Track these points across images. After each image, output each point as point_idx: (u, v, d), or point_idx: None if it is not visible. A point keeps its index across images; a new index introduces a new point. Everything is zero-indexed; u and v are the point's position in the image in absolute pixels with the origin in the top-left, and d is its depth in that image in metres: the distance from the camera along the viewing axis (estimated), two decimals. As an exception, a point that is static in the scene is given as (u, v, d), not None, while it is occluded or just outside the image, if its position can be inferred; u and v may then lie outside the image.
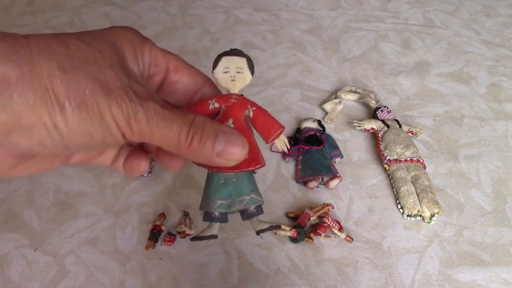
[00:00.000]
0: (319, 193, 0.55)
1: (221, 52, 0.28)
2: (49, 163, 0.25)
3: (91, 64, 0.21)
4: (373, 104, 0.65)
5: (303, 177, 0.55)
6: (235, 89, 0.28)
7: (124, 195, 0.54)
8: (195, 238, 0.29)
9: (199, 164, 0.26)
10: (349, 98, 0.68)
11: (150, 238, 0.49)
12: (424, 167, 0.57)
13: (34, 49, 0.20)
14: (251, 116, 0.27)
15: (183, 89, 0.29)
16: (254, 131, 0.28)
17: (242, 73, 0.28)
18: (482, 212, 0.54)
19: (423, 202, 0.52)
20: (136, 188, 0.55)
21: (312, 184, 0.54)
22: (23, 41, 0.20)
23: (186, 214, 0.51)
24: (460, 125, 0.65)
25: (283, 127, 0.28)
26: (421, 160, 0.57)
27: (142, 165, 0.28)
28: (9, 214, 0.52)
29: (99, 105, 0.21)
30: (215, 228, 0.29)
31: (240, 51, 0.28)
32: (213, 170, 0.28)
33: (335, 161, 0.58)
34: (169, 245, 0.49)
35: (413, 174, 0.55)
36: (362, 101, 0.67)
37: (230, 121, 0.27)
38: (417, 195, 0.53)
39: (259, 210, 0.29)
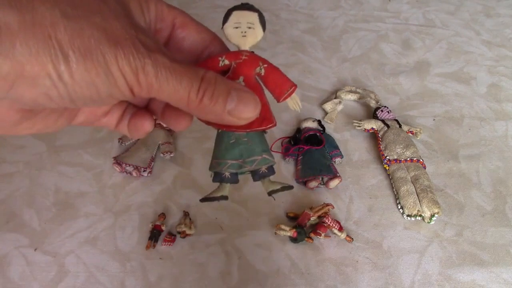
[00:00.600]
0: (319, 193, 0.55)
1: (231, 6, 0.27)
2: (54, 122, 0.25)
3: (96, 13, 0.21)
4: (373, 104, 0.65)
5: (303, 177, 0.55)
6: (246, 45, 0.27)
7: (124, 195, 0.54)
8: (205, 199, 0.28)
9: (208, 123, 0.26)
10: (349, 98, 0.68)
11: (150, 238, 0.49)
12: (424, 167, 0.57)
13: None
14: (262, 74, 0.26)
15: (190, 46, 0.28)
16: (266, 90, 0.27)
17: (253, 28, 0.26)
18: (482, 212, 0.54)
19: (423, 202, 0.52)
20: (136, 188, 0.55)
21: (312, 184, 0.54)
22: None
23: (186, 214, 0.51)
24: (460, 125, 0.65)
25: (296, 85, 0.27)
26: (421, 160, 0.57)
27: (147, 125, 0.27)
28: (9, 214, 0.52)
29: (104, 55, 0.20)
30: (226, 189, 0.28)
31: (252, 5, 0.27)
32: (222, 129, 0.27)
33: (335, 161, 0.58)
34: (169, 245, 0.49)
35: (413, 174, 0.55)
36: (362, 101, 0.67)
37: (241, 79, 0.26)
38: (417, 195, 0.53)
39: (271, 170, 0.28)
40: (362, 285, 0.46)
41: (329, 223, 0.49)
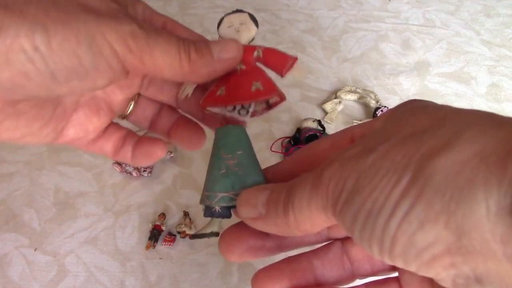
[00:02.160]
0: (319, 193, 0.55)
1: (230, 11, 0.28)
2: (39, 129, 0.23)
3: None
4: (373, 104, 0.65)
5: (303, 177, 0.55)
6: (242, 39, 0.27)
7: (124, 195, 0.54)
8: (195, 236, 0.26)
9: (205, 102, 0.26)
10: (349, 98, 0.68)
11: (150, 238, 0.49)
12: (424, 167, 0.57)
13: None
14: (261, 56, 0.27)
15: None
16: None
17: (245, 24, 0.27)
18: (482, 212, 0.54)
19: (423, 202, 0.52)
20: (136, 188, 0.55)
21: (312, 184, 0.54)
22: None
23: (186, 214, 0.51)
24: (460, 125, 0.65)
25: (296, 57, 0.27)
26: (421, 160, 0.57)
27: (159, 152, 0.27)
28: (9, 214, 0.52)
29: (85, 24, 0.19)
30: (216, 225, 0.26)
31: (241, 9, 0.28)
32: (230, 104, 0.26)
33: (335, 161, 0.58)
34: (169, 245, 0.49)
35: (413, 174, 0.55)
36: (362, 101, 0.67)
37: (240, 65, 0.26)
38: (417, 195, 0.53)
39: None
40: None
41: (329, 223, 0.49)
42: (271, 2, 0.90)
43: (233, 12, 0.28)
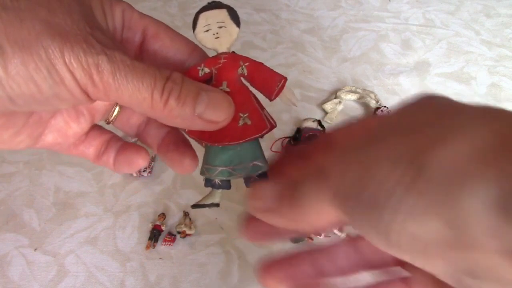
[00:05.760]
0: (319, 193, 0.55)
1: (198, 9, 0.24)
2: (11, 137, 0.22)
3: (43, 7, 0.18)
4: (373, 104, 0.65)
5: (303, 177, 0.55)
6: (222, 47, 0.24)
7: (124, 195, 0.54)
8: (196, 206, 0.26)
9: (190, 134, 0.24)
10: (349, 98, 0.68)
11: (150, 238, 0.49)
12: (424, 167, 0.57)
13: None
14: (246, 74, 0.24)
15: (165, 59, 0.25)
16: (256, 91, 0.25)
17: (225, 27, 0.24)
18: (482, 212, 0.54)
19: (423, 202, 0.52)
20: (136, 188, 0.55)
21: (312, 184, 0.54)
22: None
23: (186, 214, 0.51)
24: (460, 125, 0.65)
25: (285, 78, 0.25)
26: (421, 160, 0.57)
27: (140, 161, 0.25)
28: (9, 214, 0.52)
29: (47, 49, 0.17)
30: (217, 196, 0.26)
31: (219, 2, 0.24)
32: (208, 144, 0.24)
33: (335, 161, 0.58)
34: (169, 245, 0.49)
35: (413, 174, 0.55)
36: (362, 101, 0.67)
37: (224, 84, 0.23)
38: (417, 195, 0.53)
39: (263, 177, 0.25)
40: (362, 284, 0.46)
41: (329, 223, 0.49)
42: (271, 2, 0.90)
43: (209, 6, 0.24)
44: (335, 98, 0.67)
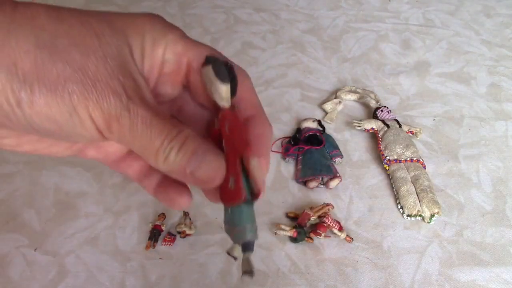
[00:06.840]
0: (319, 193, 0.55)
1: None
2: (47, 146, 0.23)
3: (78, 48, 0.19)
4: (373, 104, 0.65)
5: (303, 177, 0.55)
6: (223, 101, 0.23)
7: (124, 195, 0.54)
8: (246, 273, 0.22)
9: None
10: (349, 98, 0.68)
11: (150, 238, 0.49)
12: (424, 167, 0.57)
13: (17, 18, 0.18)
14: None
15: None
16: None
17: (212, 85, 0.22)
18: (482, 212, 0.54)
19: (423, 202, 0.52)
20: (136, 188, 0.55)
21: (312, 184, 0.54)
22: (7, 7, 0.18)
23: (186, 214, 0.51)
24: (460, 125, 0.65)
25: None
26: (421, 160, 0.57)
27: (184, 202, 0.25)
28: (9, 214, 0.52)
29: (72, 95, 0.18)
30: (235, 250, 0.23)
31: (213, 59, 0.23)
32: (213, 201, 0.24)
33: (335, 161, 0.58)
34: (169, 245, 0.49)
35: (413, 174, 0.55)
36: (362, 101, 0.67)
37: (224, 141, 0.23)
38: (417, 195, 0.53)
39: (248, 248, 0.23)
40: (362, 285, 0.46)
41: (329, 223, 0.49)
42: (271, 2, 0.91)
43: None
44: (335, 98, 0.67)
